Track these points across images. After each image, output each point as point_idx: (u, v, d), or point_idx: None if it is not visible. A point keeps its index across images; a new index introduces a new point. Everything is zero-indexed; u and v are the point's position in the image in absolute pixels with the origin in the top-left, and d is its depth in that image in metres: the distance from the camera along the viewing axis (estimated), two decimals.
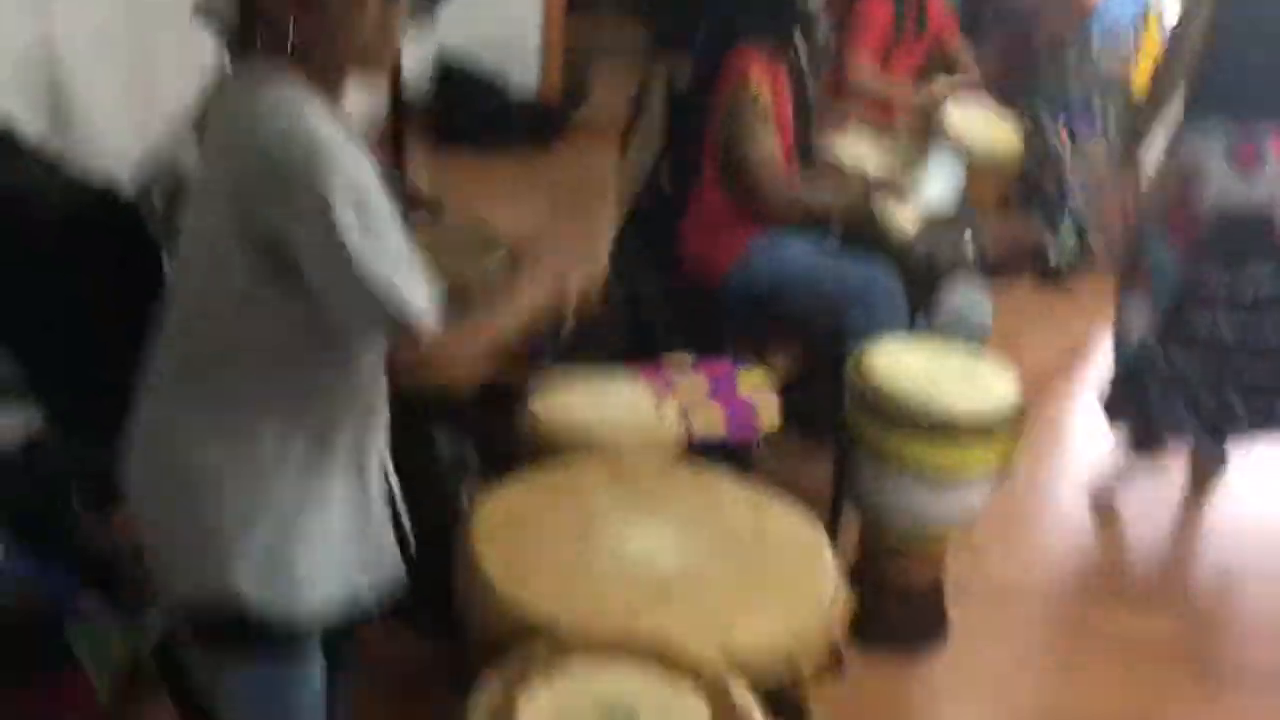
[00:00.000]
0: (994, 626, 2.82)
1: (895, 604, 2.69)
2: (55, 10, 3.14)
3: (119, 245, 2.16)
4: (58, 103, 3.17)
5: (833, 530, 2.83)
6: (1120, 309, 3.23)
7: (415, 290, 1.38)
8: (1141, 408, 3.15)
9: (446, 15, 5.49)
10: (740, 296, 3.22)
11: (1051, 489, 3.52)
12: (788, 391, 3.41)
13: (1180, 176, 2.97)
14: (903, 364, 2.59)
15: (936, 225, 3.12)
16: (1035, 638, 2.82)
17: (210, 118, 1.49)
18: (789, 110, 3.20)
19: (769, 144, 3.05)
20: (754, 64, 3.05)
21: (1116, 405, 3.25)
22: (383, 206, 1.39)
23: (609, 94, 5.37)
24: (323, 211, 1.33)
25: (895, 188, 3.15)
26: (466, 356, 1.52)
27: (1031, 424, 2.64)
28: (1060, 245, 4.77)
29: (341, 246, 1.33)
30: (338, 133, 1.39)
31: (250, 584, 1.47)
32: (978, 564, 3.04)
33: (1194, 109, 2.99)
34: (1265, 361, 2.97)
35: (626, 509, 1.77)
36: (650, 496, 1.81)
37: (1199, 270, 2.97)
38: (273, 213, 1.36)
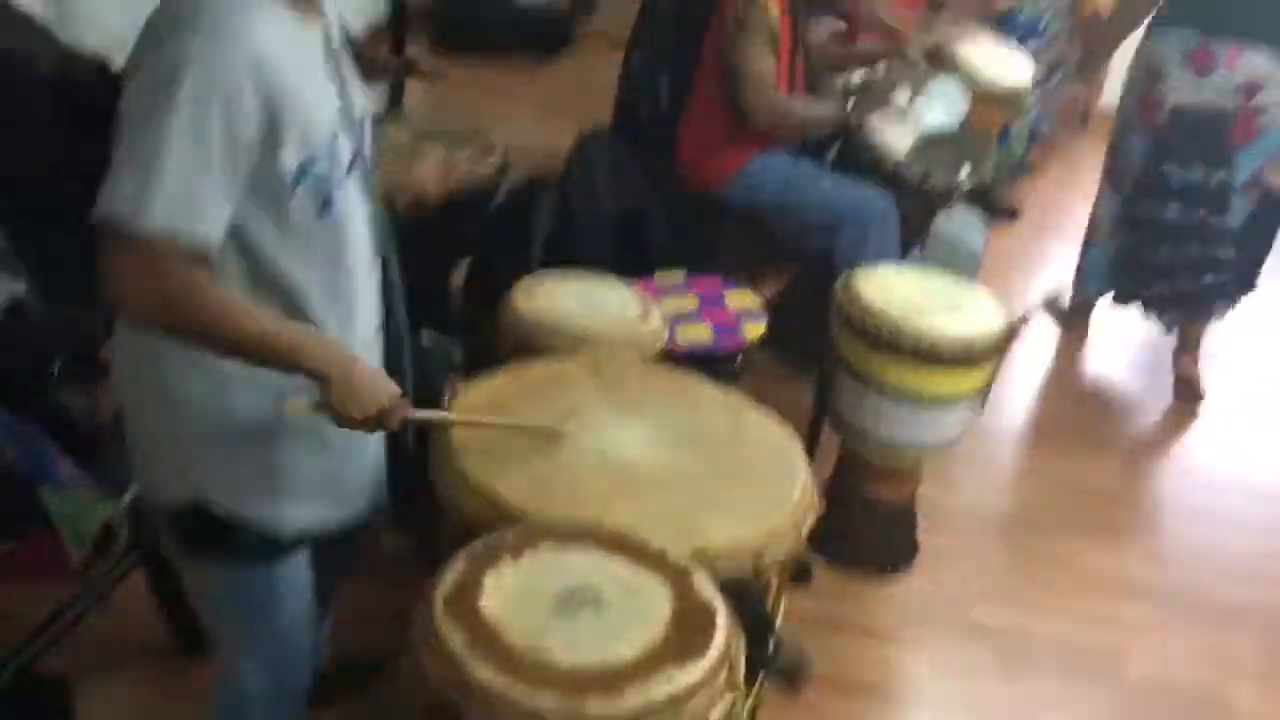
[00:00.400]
0: (962, 553, 2.87)
1: (867, 523, 2.73)
2: None
3: (107, 115, 2.13)
4: None
5: (811, 448, 2.84)
6: (1096, 205, 3.70)
7: (177, 206, 1.28)
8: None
9: None
10: (734, 212, 3.22)
11: (1025, 417, 3.56)
12: (776, 313, 3.44)
13: (1147, 75, 3.41)
14: (890, 288, 2.59)
15: (932, 148, 3.10)
16: (1001, 565, 2.86)
17: None
18: (789, 35, 3.17)
19: (768, 60, 3.04)
20: None
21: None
22: (229, 119, 1.29)
23: (619, 5, 5.29)
24: (173, 63, 1.27)
25: (882, 92, 3.12)
26: None
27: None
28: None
29: (168, 98, 1.26)
30: (275, 30, 1.34)
31: (226, 496, 1.49)
32: (950, 491, 3.08)
33: (1160, 20, 3.39)
34: (1198, 245, 3.42)
35: (605, 406, 1.78)
36: (630, 395, 1.82)
37: (1159, 164, 3.39)
38: (145, 56, 1.32)
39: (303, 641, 1.66)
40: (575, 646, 1.28)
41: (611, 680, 1.24)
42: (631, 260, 2.94)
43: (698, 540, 1.51)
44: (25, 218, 2.20)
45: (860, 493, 2.72)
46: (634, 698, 1.23)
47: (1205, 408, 3.59)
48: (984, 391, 2.60)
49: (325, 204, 1.43)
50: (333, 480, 1.56)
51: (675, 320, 2.67)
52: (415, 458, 1.68)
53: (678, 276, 2.95)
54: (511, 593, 1.34)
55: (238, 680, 1.64)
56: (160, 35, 1.32)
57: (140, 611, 2.19)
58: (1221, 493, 3.24)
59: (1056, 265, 4.17)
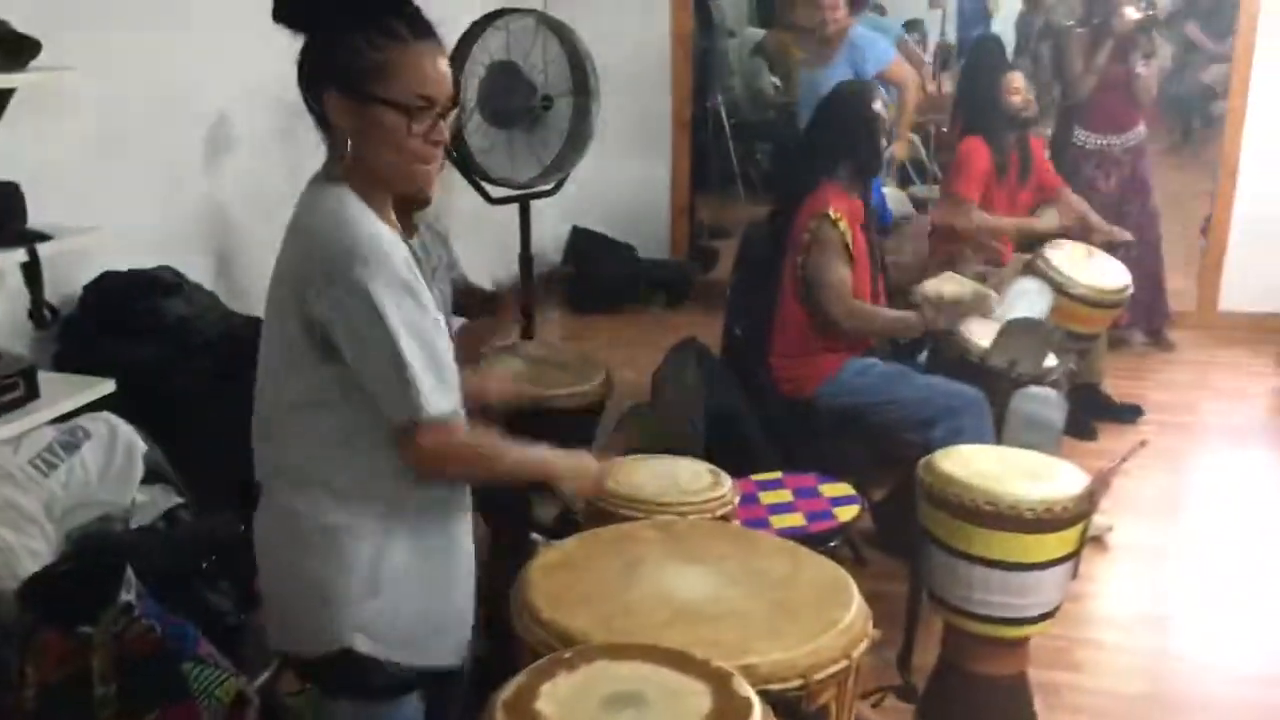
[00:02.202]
0: None
1: (976, 703, 2.71)
2: (226, 176, 3.68)
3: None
4: (221, 256, 3.67)
5: (911, 626, 2.90)
6: None
7: (440, 393, 1.62)
8: None
9: (580, 193, 6.02)
10: (829, 414, 3.41)
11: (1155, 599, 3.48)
12: (885, 517, 3.55)
13: None
14: (969, 461, 2.69)
15: (1014, 338, 3.24)
16: None
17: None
18: (864, 249, 3.44)
19: (843, 270, 3.30)
20: (834, 198, 3.33)
21: None
22: (423, 305, 1.64)
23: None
24: (363, 296, 1.58)
25: (965, 307, 3.30)
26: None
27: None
28: None
29: (380, 323, 1.58)
30: (385, 232, 1.65)
31: (363, 641, 1.71)
32: (1073, 674, 3.03)
33: None
34: None
35: (671, 557, 1.94)
36: (694, 546, 1.98)
37: None
38: (316, 296, 1.60)
39: None
40: None
41: None
42: (726, 465, 3.13)
43: (747, 660, 1.63)
44: (185, 444, 2.56)
45: (966, 671, 2.72)
46: None
47: None
48: (1074, 556, 2.62)
49: None
50: (448, 620, 1.80)
51: (770, 510, 2.83)
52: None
53: (774, 475, 3.11)
54: (564, 696, 1.48)
55: None
56: (326, 274, 1.60)
57: None
58: None
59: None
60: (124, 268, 3.12)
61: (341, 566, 1.69)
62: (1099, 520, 3.68)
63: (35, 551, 2.11)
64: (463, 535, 1.83)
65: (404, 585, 1.72)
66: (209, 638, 2.16)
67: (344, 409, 1.66)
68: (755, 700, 1.48)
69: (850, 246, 3.31)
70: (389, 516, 1.70)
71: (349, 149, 1.64)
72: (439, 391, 1.62)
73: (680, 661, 1.56)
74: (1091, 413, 4.56)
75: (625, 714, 1.45)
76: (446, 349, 1.68)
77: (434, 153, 1.68)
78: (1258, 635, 3.26)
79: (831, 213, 3.28)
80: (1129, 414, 4.71)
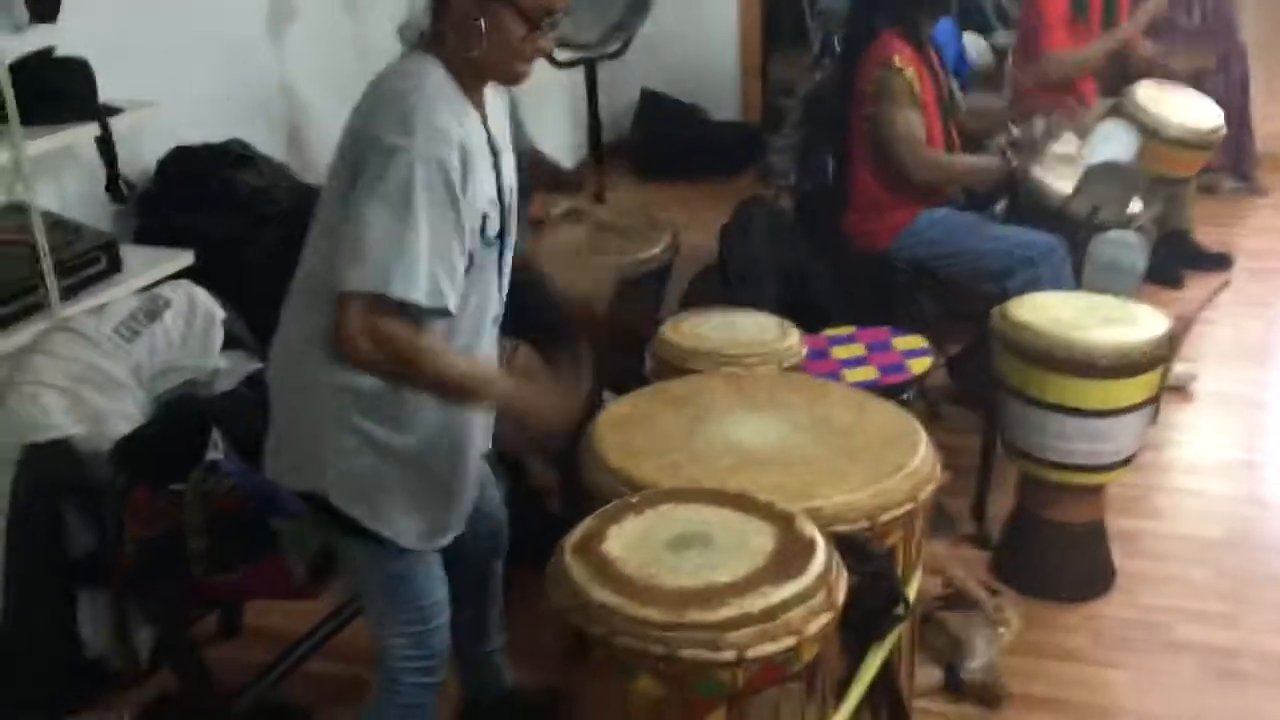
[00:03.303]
0: (1162, 577, 2.79)
1: (1054, 549, 2.71)
2: (288, 58, 3.68)
3: None
4: (291, 129, 3.69)
5: (985, 475, 2.90)
6: None
7: (409, 281, 1.56)
8: None
9: (646, 55, 5.89)
10: (903, 268, 3.36)
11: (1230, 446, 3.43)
12: (961, 370, 3.51)
13: None
14: (1045, 308, 2.65)
15: (1096, 183, 3.13)
16: (1206, 586, 2.75)
17: None
18: (932, 95, 3.32)
19: (914, 119, 3.20)
20: (896, 49, 3.21)
21: None
22: (452, 202, 1.59)
23: None
24: (396, 162, 1.56)
25: (1039, 145, 3.19)
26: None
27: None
28: None
29: (399, 194, 1.55)
30: (455, 122, 1.63)
31: (342, 498, 1.76)
32: (1151, 520, 3.02)
33: None
34: None
35: (737, 407, 1.95)
36: (761, 396, 1.98)
37: None
38: (368, 143, 1.61)
39: (440, 615, 1.88)
40: (681, 573, 1.43)
41: (711, 595, 1.39)
42: (798, 322, 3.11)
43: (812, 504, 1.64)
44: (265, 310, 2.62)
45: (1042, 518, 2.72)
46: (730, 609, 1.37)
47: None
48: (1154, 401, 2.58)
49: (468, 270, 1.71)
50: (433, 513, 1.82)
51: (843, 364, 2.81)
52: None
53: (847, 330, 3.08)
54: (631, 539, 1.52)
55: (387, 652, 1.87)
56: (383, 133, 1.61)
57: (371, 652, 2.48)
58: None
59: None
60: (195, 142, 3.16)
61: (329, 414, 1.72)
62: (1183, 369, 3.61)
63: (126, 414, 2.20)
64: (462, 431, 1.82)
65: (379, 454, 1.73)
66: None
67: None
68: (819, 539, 1.50)
69: (918, 95, 3.20)
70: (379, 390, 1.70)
71: (456, 33, 1.64)
72: (409, 279, 1.57)
73: (745, 504, 1.58)
74: (1180, 261, 4.43)
75: (690, 553, 1.48)
76: (459, 256, 1.63)
77: (537, 57, 1.70)
78: None
79: (896, 61, 3.17)
80: (1219, 262, 4.55)
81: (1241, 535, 2.96)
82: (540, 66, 1.73)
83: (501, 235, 1.80)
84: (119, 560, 2.03)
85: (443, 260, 1.61)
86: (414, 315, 1.61)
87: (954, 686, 2.41)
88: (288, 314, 1.81)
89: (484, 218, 1.71)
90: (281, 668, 2.31)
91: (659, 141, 6.09)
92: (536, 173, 2.91)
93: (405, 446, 1.75)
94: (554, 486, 2.95)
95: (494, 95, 1.82)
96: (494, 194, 1.75)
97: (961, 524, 2.93)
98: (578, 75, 5.12)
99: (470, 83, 1.71)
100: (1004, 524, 2.84)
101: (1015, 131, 3.36)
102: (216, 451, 2.09)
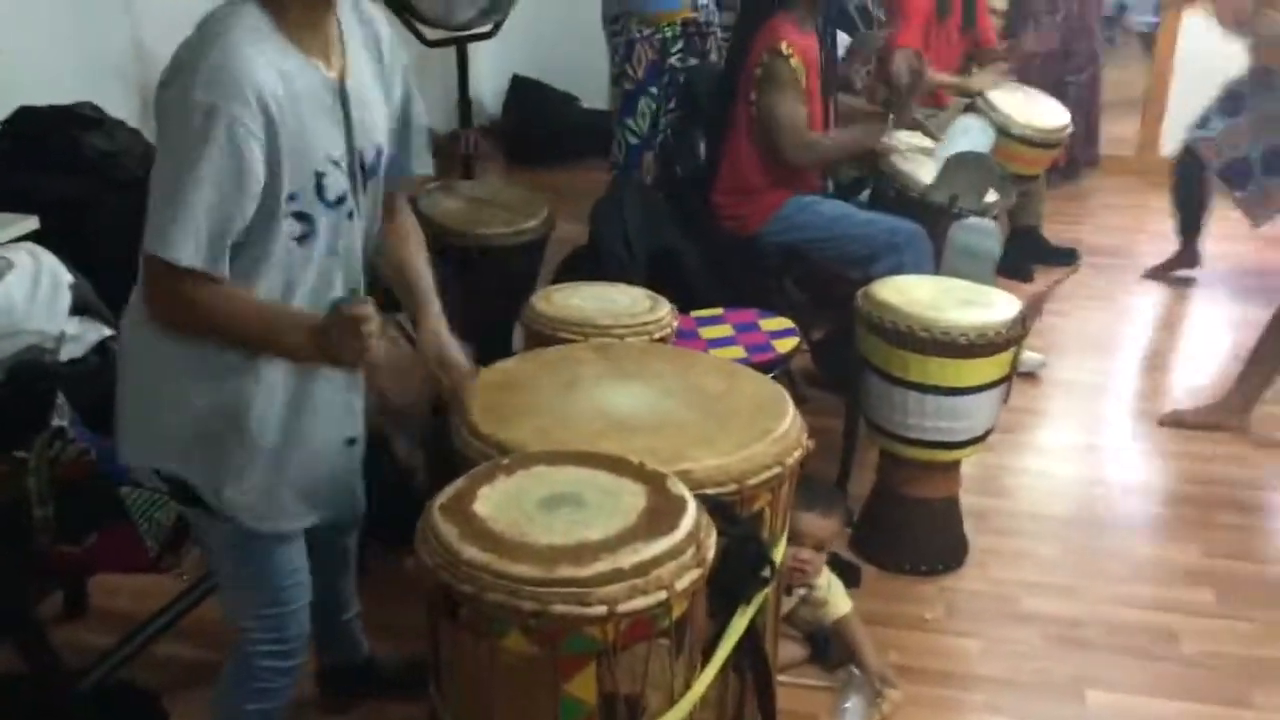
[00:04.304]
0: (1012, 552, 2.90)
1: (911, 524, 2.80)
2: (143, 17, 3.53)
3: None
4: (145, 94, 3.54)
5: (848, 453, 2.97)
6: None
7: (187, 242, 1.49)
8: None
9: (519, 40, 5.84)
10: (771, 252, 3.41)
11: (1076, 424, 3.59)
12: (824, 354, 3.58)
13: None
14: (906, 290, 2.72)
15: (955, 173, 3.24)
16: (1054, 561, 2.88)
17: None
18: (817, 83, 3.39)
19: (797, 106, 3.25)
20: (785, 34, 3.26)
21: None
22: (243, 158, 1.49)
23: None
24: (181, 113, 1.49)
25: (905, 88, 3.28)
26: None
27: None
28: None
29: (179, 150, 1.49)
30: (276, 61, 1.54)
31: (187, 471, 1.69)
32: (1001, 498, 3.14)
33: None
34: None
35: (609, 375, 1.95)
36: (633, 366, 1.99)
37: None
38: (162, 84, 1.54)
39: (298, 598, 1.83)
40: (553, 531, 1.42)
41: (583, 552, 1.38)
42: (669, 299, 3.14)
43: (682, 466, 1.65)
44: (114, 277, 2.51)
45: (901, 494, 2.80)
46: (602, 565, 1.36)
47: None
48: (1006, 381, 2.68)
49: (306, 235, 1.63)
50: (288, 496, 1.76)
51: (710, 344, 2.84)
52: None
53: (716, 311, 3.12)
54: (501, 498, 1.50)
55: (243, 635, 1.83)
56: (171, 82, 1.53)
57: (226, 636, 2.40)
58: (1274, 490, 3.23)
59: None
60: (42, 103, 3.01)
61: (172, 389, 1.67)
62: (1033, 356, 3.77)
63: None
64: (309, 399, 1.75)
65: (227, 437, 1.68)
66: None
67: None
68: (689, 498, 1.51)
69: (802, 82, 3.26)
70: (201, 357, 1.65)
71: None
72: (200, 240, 1.51)
73: (616, 465, 1.58)
74: (1029, 256, 4.62)
75: (562, 512, 1.47)
76: (236, 217, 1.54)
77: None
78: (1173, 460, 3.38)
79: (784, 47, 3.22)
80: (1066, 257, 4.76)
81: (1085, 513, 3.11)
82: (411, 45, 1.67)
83: (353, 198, 1.69)
84: None
85: (228, 221, 1.52)
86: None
87: (820, 656, 2.46)
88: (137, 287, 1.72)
89: (319, 175, 1.61)
90: (129, 648, 2.23)
91: (529, 127, 6.06)
92: None
93: (241, 414, 1.68)
94: (419, 465, 2.90)
95: (365, 49, 1.75)
96: (340, 151, 1.65)
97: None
98: (449, 56, 5.05)
99: (300, 22, 1.59)
100: (865, 501, 2.91)
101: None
102: (62, 418, 1.99)
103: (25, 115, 2.97)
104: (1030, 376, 3.78)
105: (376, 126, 1.75)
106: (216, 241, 1.53)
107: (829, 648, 2.47)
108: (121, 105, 3.30)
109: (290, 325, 1.62)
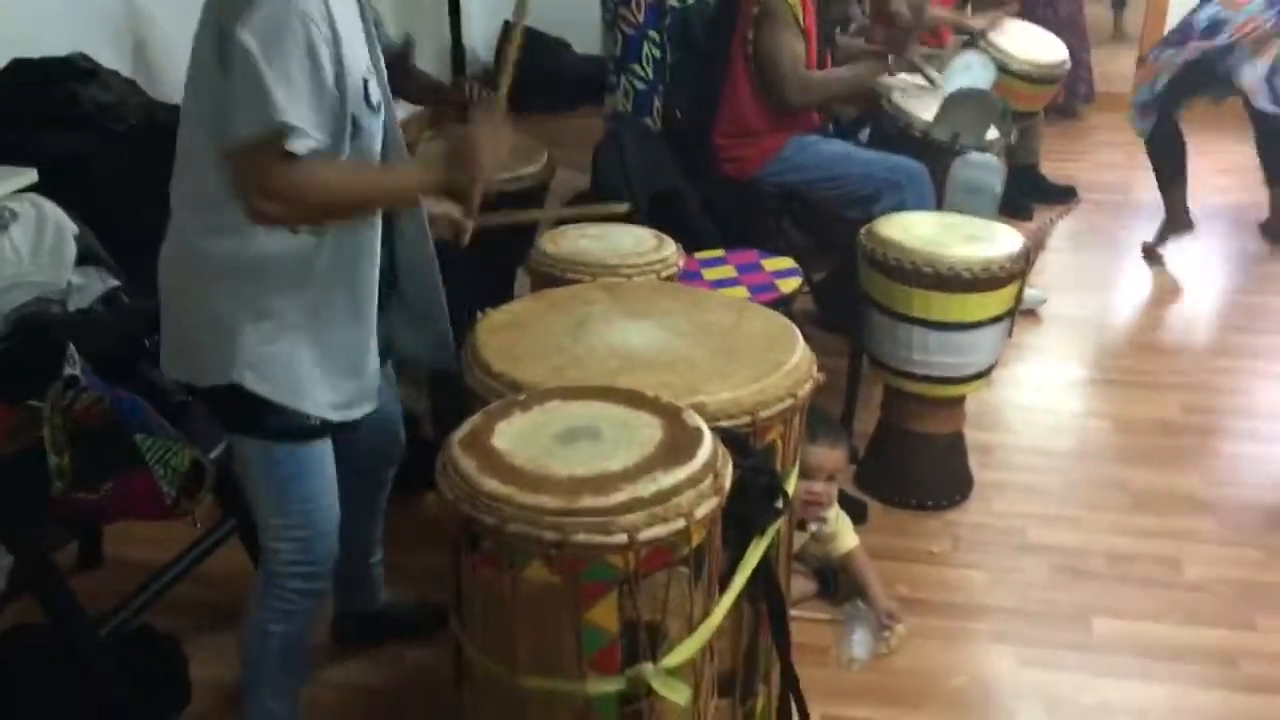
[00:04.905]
0: (1016, 486, 2.93)
1: (917, 459, 2.83)
2: None
3: None
4: (137, 44, 3.51)
5: (852, 390, 2.99)
6: None
7: (302, 105, 1.55)
8: None
9: None
10: (771, 193, 3.40)
11: (1079, 361, 3.62)
12: (825, 294, 3.59)
13: None
14: (909, 227, 2.73)
15: (956, 110, 3.23)
16: (1056, 493, 2.91)
17: None
18: (814, 21, 3.36)
19: (796, 44, 3.22)
20: None
21: None
22: (317, 49, 1.56)
23: None
24: (258, 5, 1.53)
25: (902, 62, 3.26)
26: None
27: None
28: None
29: (247, 50, 1.52)
30: None
31: (252, 379, 1.72)
32: (1005, 434, 3.16)
33: None
34: None
35: (618, 314, 1.95)
36: (640, 304, 1.99)
37: None
38: (230, 17, 1.56)
39: (328, 522, 1.87)
40: (572, 463, 1.44)
41: (603, 483, 1.40)
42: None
43: (696, 399, 1.66)
44: (117, 230, 2.50)
45: (906, 429, 2.82)
46: (622, 495, 1.38)
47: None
48: (1009, 316, 2.70)
49: (356, 131, 1.70)
50: (340, 379, 1.81)
51: (714, 285, 2.84)
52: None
53: (718, 253, 3.12)
54: (519, 433, 1.51)
55: (272, 555, 1.86)
56: (236, 10, 1.56)
57: (241, 582, 2.43)
58: (1278, 418, 3.26)
59: None
60: (35, 56, 2.98)
61: (235, 303, 1.70)
62: (1034, 294, 3.78)
63: None
64: (360, 293, 1.80)
65: (291, 331, 1.73)
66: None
67: None
68: (705, 429, 1.52)
69: (801, 19, 3.23)
70: (280, 259, 1.70)
71: None
72: (296, 110, 1.56)
73: (632, 399, 1.59)
74: (1029, 194, 4.61)
75: (579, 445, 1.49)
76: (334, 102, 1.62)
77: None
78: (1172, 391, 3.40)
79: None
80: (1065, 194, 4.76)
81: (1087, 446, 3.14)
82: None
83: (385, 105, 1.78)
84: None
85: (320, 106, 1.59)
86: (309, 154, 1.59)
87: (827, 592, 2.50)
88: (175, 222, 1.76)
89: (364, 83, 1.68)
90: (147, 594, 2.23)
91: (521, 74, 5.99)
92: (408, 84, 2.84)
93: (305, 311, 1.73)
94: (425, 412, 2.92)
95: None
96: (369, 61, 1.73)
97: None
98: (440, 4, 5.01)
99: None
100: (870, 437, 2.93)
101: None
102: (74, 367, 2.00)
103: (20, 68, 2.94)
104: (1031, 314, 3.79)
105: (378, 41, 1.82)
106: (317, 118, 1.59)
107: (836, 582, 2.50)
108: (113, 56, 3.28)
109: (401, 171, 1.82)
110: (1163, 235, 4.29)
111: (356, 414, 1.86)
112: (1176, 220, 4.27)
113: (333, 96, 1.62)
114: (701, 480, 1.44)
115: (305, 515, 1.83)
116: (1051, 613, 2.48)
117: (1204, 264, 4.38)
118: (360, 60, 1.69)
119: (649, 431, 1.51)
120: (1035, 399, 3.39)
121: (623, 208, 2.50)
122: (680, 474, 1.42)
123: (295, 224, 1.67)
